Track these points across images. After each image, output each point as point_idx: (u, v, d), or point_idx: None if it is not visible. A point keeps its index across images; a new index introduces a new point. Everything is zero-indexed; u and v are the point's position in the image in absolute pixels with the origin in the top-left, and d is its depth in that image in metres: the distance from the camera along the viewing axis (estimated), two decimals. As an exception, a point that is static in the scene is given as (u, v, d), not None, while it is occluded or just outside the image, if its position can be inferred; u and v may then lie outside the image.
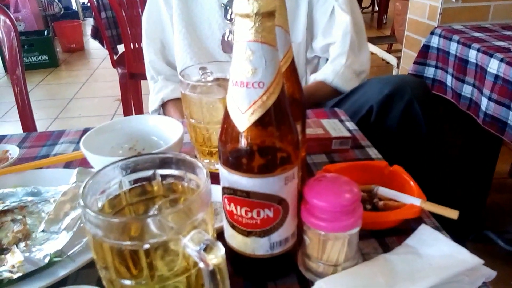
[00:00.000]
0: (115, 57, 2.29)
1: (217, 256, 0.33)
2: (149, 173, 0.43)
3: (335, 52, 1.00)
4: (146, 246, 0.34)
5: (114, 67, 2.28)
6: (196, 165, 0.40)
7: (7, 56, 1.34)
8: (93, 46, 4.25)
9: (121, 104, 2.95)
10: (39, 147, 0.79)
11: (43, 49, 3.65)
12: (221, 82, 0.67)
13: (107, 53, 3.89)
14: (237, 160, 0.42)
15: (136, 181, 0.43)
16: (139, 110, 2.35)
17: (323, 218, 0.44)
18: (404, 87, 0.81)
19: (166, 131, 0.69)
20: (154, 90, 1.10)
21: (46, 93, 3.24)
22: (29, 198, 0.57)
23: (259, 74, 0.39)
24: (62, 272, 0.46)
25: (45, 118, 2.82)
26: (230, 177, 0.43)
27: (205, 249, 0.33)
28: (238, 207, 0.44)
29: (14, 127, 2.62)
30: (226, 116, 0.42)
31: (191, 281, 0.38)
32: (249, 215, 0.44)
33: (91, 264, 0.48)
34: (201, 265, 0.33)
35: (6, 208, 0.56)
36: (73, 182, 0.55)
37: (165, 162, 0.43)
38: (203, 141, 0.67)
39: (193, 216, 0.36)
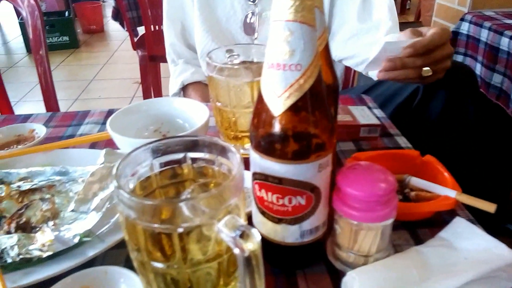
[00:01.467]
0: (135, 39, 2.29)
1: (253, 243, 0.32)
2: (180, 156, 0.42)
3: (387, 26, 0.94)
4: (180, 229, 0.34)
5: (134, 49, 2.28)
6: (229, 150, 0.39)
7: (31, 36, 1.34)
8: (113, 28, 4.26)
9: (140, 86, 2.97)
10: (64, 127, 0.79)
11: (64, 30, 3.67)
12: (249, 65, 0.65)
13: (126, 35, 3.93)
14: (270, 145, 0.41)
15: (166, 163, 0.42)
16: (158, 93, 2.35)
17: (356, 208, 0.43)
18: (450, 73, 0.77)
19: (192, 114, 0.68)
20: (175, 74, 1.09)
21: (67, 74, 3.27)
22: (57, 178, 0.57)
23: (297, 56, 0.37)
24: (91, 252, 0.46)
25: (66, 98, 2.85)
26: (262, 163, 0.42)
27: (241, 235, 0.32)
28: (269, 194, 0.43)
29: (35, 107, 2.66)
30: (260, 99, 0.41)
31: (223, 267, 0.38)
32: (281, 202, 0.42)
33: (119, 245, 0.48)
34: (236, 251, 0.32)
35: (34, 186, 0.56)
36: (101, 162, 0.54)
37: (196, 145, 0.42)
38: (228, 125, 0.66)
39: (226, 201, 0.35)
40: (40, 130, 0.71)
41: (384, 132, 0.72)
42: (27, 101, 2.85)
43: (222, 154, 0.41)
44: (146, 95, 2.32)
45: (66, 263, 0.45)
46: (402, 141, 0.70)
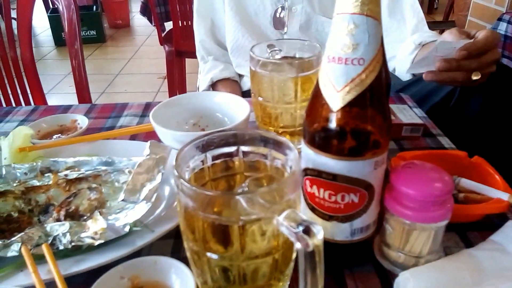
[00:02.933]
0: (162, 34, 2.31)
1: (317, 238, 0.31)
2: (232, 149, 0.42)
3: (412, 23, 0.93)
4: (240, 222, 0.33)
5: (161, 44, 2.30)
6: (286, 144, 0.39)
7: (66, 29, 1.36)
8: (138, 23, 4.31)
9: (165, 81, 3.00)
10: (104, 119, 0.80)
11: (92, 24, 3.74)
12: (291, 61, 0.65)
13: (151, 30, 3.97)
14: (325, 141, 0.40)
15: (218, 156, 0.42)
16: (182, 88, 2.37)
17: (411, 207, 0.42)
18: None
19: (232, 109, 0.68)
20: (204, 71, 1.10)
21: (93, 68, 3.32)
22: (103, 168, 0.58)
23: (360, 50, 0.37)
24: (139, 242, 0.46)
25: (92, 92, 2.88)
26: (316, 158, 0.41)
27: (304, 230, 0.32)
28: (322, 190, 0.42)
29: (63, 100, 2.71)
30: (317, 93, 0.40)
31: (276, 262, 0.37)
32: (333, 198, 0.42)
33: (165, 236, 0.48)
34: (298, 245, 0.32)
35: (81, 175, 0.57)
36: (147, 154, 0.55)
37: (249, 139, 0.42)
38: (269, 120, 0.65)
39: (285, 196, 0.35)
40: (83, 121, 0.73)
41: (426, 132, 0.70)
42: (55, 94, 2.91)
43: (277, 148, 0.40)
44: (172, 90, 2.34)
45: (116, 252, 0.45)
46: (445, 141, 0.68)
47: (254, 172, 0.43)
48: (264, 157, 0.42)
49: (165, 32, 2.31)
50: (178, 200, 0.37)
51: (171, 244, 0.51)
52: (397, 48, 0.95)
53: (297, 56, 0.67)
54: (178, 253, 0.49)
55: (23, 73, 1.40)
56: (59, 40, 3.71)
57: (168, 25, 2.34)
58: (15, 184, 0.56)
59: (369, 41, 0.37)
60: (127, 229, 0.46)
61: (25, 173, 0.57)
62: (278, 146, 0.40)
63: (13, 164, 0.57)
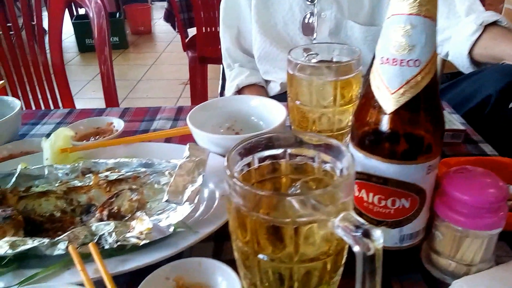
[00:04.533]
0: (185, 41, 2.33)
1: (377, 242, 0.30)
2: (279, 151, 0.42)
3: (464, 5, 0.88)
4: (295, 224, 0.33)
5: (184, 50, 2.32)
6: (338, 148, 0.38)
7: (95, 35, 1.39)
8: (160, 29, 4.37)
9: (186, 87, 3.03)
10: (137, 122, 0.81)
11: (115, 30, 3.81)
12: (329, 65, 0.64)
13: (173, 37, 4.03)
14: (377, 144, 0.39)
15: (265, 158, 0.42)
16: (204, 94, 2.39)
17: (464, 213, 0.41)
18: None
19: (267, 113, 0.68)
20: (230, 78, 1.10)
21: (116, 74, 3.37)
22: (142, 169, 0.58)
23: (417, 51, 0.36)
24: (182, 243, 0.46)
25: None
26: (366, 162, 0.40)
27: (362, 234, 0.31)
28: (371, 194, 0.41)
29: (87, 105, 2.76)
30: (368, 95, 0.40)
31: (327, 266, 0.37)
32: (383, 203, 0.41)
33: (206, 239, 0.48)
34: (356, 249, 0.31)
35: (121, 177, 0.57)
36: (186, 156, 0.55)
37: (297, 142, 0.41)
38: (306, 125, 0.65)
39: (339, 199, 0.34)
40: (118, 124, 0.74)
41: (467, 138, 0.69)
42: (79, 99, 2.96)
43: (326, 151, 0.40)
44: (194, 96, 2.36)
45: (160, 253, 0.45)
46: (488, 148, 0.67)
47: (301, 175, 0.42)
48: (311, 160, 0.41)
49: (188, 39, 2.34)
50: (229, 201, 0.37)
51: (212, 247, 0.50)
52: (450, 32, 0.90)
53: (334, 60, 0.67)
54: (219, 256, 0.49)
55: (53, 78, 1.43)
56: (82, 47, 3.80)
57: (191, 32, 2.37)
58: (57, 184, 0.57)
59: (425, 42, 0.36)
60: (171, 229, 0.46)
61: (67, 174, 0.58)
62: (328, 148, 0.39)
63: (55, 165, 0.58)
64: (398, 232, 0.42)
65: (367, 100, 0.40)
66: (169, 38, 4.03)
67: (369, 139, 0.40)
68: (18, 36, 1.39)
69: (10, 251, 0.44)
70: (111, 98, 1.42)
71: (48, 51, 1.40)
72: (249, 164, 0.41)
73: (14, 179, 0.56)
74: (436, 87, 0.38)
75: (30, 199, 0.56)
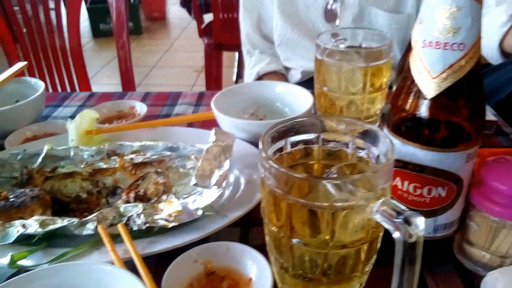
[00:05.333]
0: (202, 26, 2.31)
1: (418, 229, 0.30)
2: (312, 136, 0.41)
3: None
4: (333, 208, 0.32)
5: (200, 36, 2.31)
6: (375, 133, 0.37)
7: (114, 20, 1.39)
8: (174, 15, 4.35)
9: (200, 74, 3.02)
10: (159, 107, 0.81)
11: (129, 16, 3.80)
12: (358, 50, 0.62)
13: (187, 23, 4.01)
14: (415, 130, 0.38)
15: (298, 143, 0.41)
16: (219, 81, 2.38)
17: (501, 204, 0.40)
18: None
19: (293, 99, 0.67)
20: (250, 65, 1.09)
21: (130, 60, 3.38)
22: (167, 153, 0.58)
23: (462, 34, 0.35)
24: (210, 227, 0.46)
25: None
26: (402, 148, 0.39)
27: (404, 220, 0.30)
28: (406, 182, 0.40)
29: (101, 90, 2.77)
30: (408, 80, 0.38)
31: (361, 254, 0.36)
32: (418, 192, 0.40)
33: (232, 224, 0.47)
34: (396, 235, 0.30)
35: (146, 160, 0.57)
36: (212, 141, 0.54)
37: (332, 127, 0.40)
38: (333, 112, 0.64)
39: (378, 185, 0.33)
40: (141, 108, 0.73)
41: (498, 129, 0.67)
42: (93, 85, 2.97)
43: (363, 137, 0.39)
44: (209, 83, 2.35)
45: (187, 236, 0.45)
46: (519, 140, 0.65)
47: (334, 161, 0.41)
48: (345, 146, 0.41)
49: (204, 25, 2.32)
50: (263, 184, 0.36)
51: (238, 232, 0.50)
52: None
53: (363, 46, 0.65)
54: (246, 241, 0.48)
55: (71, 62, 1.43)
56: (97, 32, 3.80)
57: (207, 18, 2.35)
58: (82, 166, 0.57)
59: (471, 25, 0.35)
60: (199, 213, 0.45)
61: (92, 156, 0.58)
62: (364, 134, 0.38)
63: (80, 146, 0.58)
64: (433, 221, 0.41)
65: (406, 85, 0.39)
66: (184, 24, 4.01)
67: (406, 126, 0.39)
68: (36, 20, 1.39)
69: (40, 230, 0.45)
70: (128, 83, 1.42)
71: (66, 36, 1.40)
72: (281, 149, 0.40)
73: (40, 159, 0.57)
74: (479, 72, 0.37)
75: (56, 180, 0.56)
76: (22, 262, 0.42)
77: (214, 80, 2.36)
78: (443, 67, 0.36)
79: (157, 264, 0.45)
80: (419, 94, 0.37)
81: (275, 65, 1.06)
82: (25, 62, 0.78)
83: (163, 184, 0.53)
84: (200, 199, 0.48)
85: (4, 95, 0.74)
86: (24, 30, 1.38)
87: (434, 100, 0.37)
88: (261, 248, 0.43)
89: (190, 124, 0.72)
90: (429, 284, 0.42)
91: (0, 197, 0.50)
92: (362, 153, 0.39)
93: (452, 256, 0.45)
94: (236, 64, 2.95)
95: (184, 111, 0.78)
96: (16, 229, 0.45)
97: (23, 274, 0.35)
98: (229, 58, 2.81)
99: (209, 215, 0.47)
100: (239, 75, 2.90)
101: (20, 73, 0.78)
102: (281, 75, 1.08)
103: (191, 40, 3.66)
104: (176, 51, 3.53)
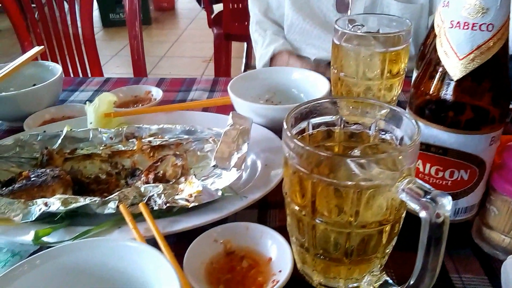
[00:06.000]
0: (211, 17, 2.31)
1: (445, 209, 0.30)
2: (334, 118, 0.41)
3: None
4: (358, 187, 0.32)
5: (210, 26, 2.30)
6: (399, 115, 0.37)
7: (126, 9, 1.39)
8: (183, 6, 4.34)
9: (209, 64, 3.02)
10: (174, 92, 0.81)
11: (138, 6, 3.80)
12: (380, 35, 0.62)
13: (196, 13, 4.00)
14: (440, 112, 0.38)
15: (320, 125, 0.41)
16: (227, 72, 2.37)
17: (524, 188, 0.39)
18: None
19: (309, 86, 0.67)
20: (264, 44, 1.05)
21: (139, 50, 3.39)
22: (185, 136, 0.58)
23: (491, 14, 0.34)
24: (229, 208, 0.46)
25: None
26: (426, 131, 0.39)
27: (430, 199, 0.30)
28: (428, 165, 0.40)
29: (112, 79, 2.78)
30: (433, 61, 0.38)
31: (383, 235, 0.36)
32: (440, 175, 0.40)
33: (250, 206, 0.48)
34: (423, 215, 0.31)
35: (164, 143, 0.58)
36: (230, 124, 0.54)
37: (354, 108, 0.40)
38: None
39: (404, 165, 0.33)
40: (157, 93, 0.74)
41: (515, 117, 0.66)
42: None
43: (386, 118, 0.39)
44: (218, 73, 2.34)
45: (207, 216, 0.45)
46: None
47: (355, 143, 0.41)
48: (367, 128, 0.41)
49: (214, 15, 2.31)
50: (286, 163, 0.36)
51: (256, 214, 0.51)
52: None
53: (380, 31, 0.65)
54: (264, 223, 0.48)
55: (84, 50, 1.44)
56: (106, 21, 3.80)
57: (217, 8, 2.35)
58: (101, 148, 0.57)
59: (500, 5, 0.34)
60: (219, 193, 0.46)
61: (111, 138, 0.58)
62: (388, 116, 0.38)
63: (99, 129, 0.59)
64: (453, 205, 0.41)
65: (431, 66, 0.38)
66: (192, 15, 4.00)
67: (430, 108, 0.39)
68: (50, 8, 1.40)
69: (62, 208, 0.45)
70: (140, 72, 1.43)
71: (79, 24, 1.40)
72: (303, 130, 0.40)
73: (59, 141, 0.57)
74: (506, 55, 0.36)
75: (75, 161, 0.57)
76: (46, 239, 0.43)
77: (223, 70, 2.36)
78: (470, 48, 0.35)
79: (176, 244, 0.45)
80: (444, 76, 0.37)
81: (289, 46, 1.04)
82: (42, 47, 0.78)
83: (181, 167, 0.54)
84: (219, 181, 0.48)
85: (22, 79, 0.75)
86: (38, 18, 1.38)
87: (460, 82, 0.36)
88: (279, 230, 0.44)
89: (205, 109, 0.73)
90: (448, 267, 0.42)
91: (22, 176, 0.51)
92: (385, 135, 0.39)
93: (470, 240, 0.45)
94: (244, 54, 2.95)
95: (198, 97, 0.79)
96: (38, 207, 0.46)
97: (49, 249, 0.35)
98: (237, 49, 2.80)
99: (228, 196, 0.47)
100: (248, 66, 2.90)
101: (34, 59, 0.79)
102: (297, 57, 1.05)
103: (200, 30, 3.65)
104: (184, 41, 3.53)
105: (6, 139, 0.57)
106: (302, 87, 0.68)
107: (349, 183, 0.33)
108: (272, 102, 0.70)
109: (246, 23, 2.20)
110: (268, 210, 0.51)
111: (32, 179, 0.50)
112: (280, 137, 0.59)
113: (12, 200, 0.47)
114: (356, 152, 0.37)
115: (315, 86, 0.65)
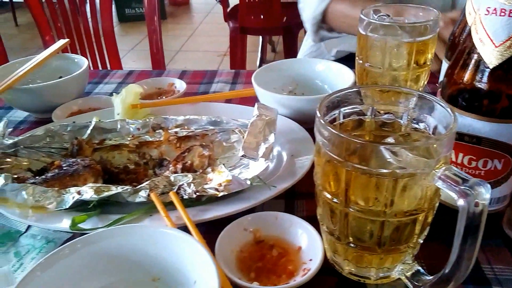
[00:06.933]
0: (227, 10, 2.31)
1: (484, 197, 0.30)
2: (365, 107, 0.41)
3: None
4: (395, 175, 0.32)
5: (225, 20, 2.30)
6: (433, 103, 0.36)
7: (146, 4, 1.40)
8: (197, 1, 4.34)
9: (224, 59, 3.02)
10: (196, 84, 0.82)
11: (154, 1, 3.82)
12: (407, 25, 0.61)
13: (210, 8, 4.00)
14: (474, 101, 0.38)
15: (350, 114, 0.41)
16: (243, 66, 2.37)
17: (560, 178, 0.39)
18: None
19: (333, 76, 0.67)
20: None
21: (154, 44, 3.41)
22: (210, 127, 0.59)
23: (530, 1, 0.34)
24: (259, 197, 0.47)
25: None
26: (459, 120, 0.38)
27: (469, 187, 0.30)
28: (461, 155, 0.40)
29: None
30: (467, 49, 0.38)
31: (416, 224, 0.36)
32: (473, 164, 0.40)
33: (277, 196, 0.48)
34: (461, 203, 0.30)
35: (190, 134, 0.58)
36: (256, 115, 0.55)
37: (386, 97, 0.40)
38: (374, 89, 0.63)
39: (440, 153, 0.33)
40: (180, 85, 0.74)
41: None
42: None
43: (419, 107, 0.38)
44: (234, 67, 2.35)
45: (236, 205, 0.46)
46: None
47: (386, 132, 0.41)
48: (399, 117, 0.40)
49: (229, 8, 2.31)
50: (319, 151, 0.37)
51: (283, 204, 0.51)
52: None
53: (406, 21, 0.64)
54: (291, 213, 0.49)
55: (103, 44, 1.46)
56: (122, 16, 3.83)
57: (232, 1, 2.35)
58: (129, 138, 0.58)
59: (540, -9, 0.33)
60: (248, 183, 0.46)
61: (138, 129, 0.59)
62: (420, 104, 0.38)
63: (127, 120, 0.60)
64: (486, 195, 0.41)
65: (466, 53, 0.38)
66: (207, 9, 4.01)
67: (464, 96, 0.38)
68: (70, 2, 1.42)
69: (95, 196, 0.46)
70: (159, 66, 1.44)
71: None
72: (334, 119, 0.40)
73: (89, 131, 0.58)
74: (545, 41, 0.36)
75: (104, 151, 0.58)
76: (81, 226, 0.44)
77: (238, 64, 2.36)
78: (507, 35, 0.35)
79: (205, 233, 0.46)
80: (479, 64, 0.37)
81: None
82: (67, 39, 0.80)
83: (208, 157, 0.54)
84: (246, 171, 0.49)
85: (48, 71, 0.76)
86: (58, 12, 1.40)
87: (496, 70, 0.36)
88: (307, 220, 0.44)
89: (227, 101, 0.73)
90: (480, 258, 0.42)
91: (54, 165, 0.53)
92: (417, 124, 0.39)
93: (501, 231, 0.45)
94: (260, 49, 2.95)
95: (220, 89, 0.79)
96: (71, 195, 0.47)
97: (88, 234, 0.36)
98: (251, 43, 2.79)
99: (256, 186, 0.47)
100: (263, 60, 2.90)
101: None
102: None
103: (214, 25, 3.65)
104: (199, 35, 3.53)
105: (37, 130, 0.59)
106: (326, 78, 0.68)
107: (385, 171, 0.33)
108: (295, 94, 0.70)
109: (262, 16, 2.21)
110: (295, 200, 0.51)
111: (64, 168, 0.51)
112: (305, 128, 0.59)
113: (46, 189, 0.48)
114: (390, 140, 0.37)
115: (339, 77, 0.65)
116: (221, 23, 2.48)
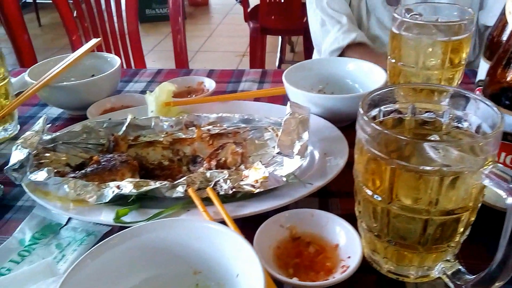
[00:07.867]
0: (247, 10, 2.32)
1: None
2: (405, 105, 0.41)
3: None
4: (441, 173, 0.32)
5: (246, 20, 2.31)
6: (476, 101, 0.36)
7: (170, 5, 1.42)
8: (216, 1, 4.37)
9: (243, 59, 3.04)
10: (224, 83, 0.82)
11: (173, 2, 3.86)
12: (441, 24, 0.60)
13: (229, 8, 4.02)
14: (519, 100, 0.37)
15: (390, 112, 0.41)
16: (262, 65, 2.38)
17: None
18: None
19: (364, 76, 0.67)
20: (341, 29, 0.96)
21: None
22: (242, 125, 0.59)
23: None
24: (295, 195, 0.47)
25: (174, 68, 3.01)
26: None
27: (520, 186, 0.30)
28: (503, 154, 0.40)
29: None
30: (510, 50, 0.37)
31: (459, 223, 0.36)
32: (516, 163, 0.39)
33: (311, 194, 0.48)
34: (510, 201, 0.30)
35: (222, 131, 0.59)
36: (289, 113, 0.55)
37: (427, 95, 0.40)
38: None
39: (488, 151, 0.33)
40: (210, 84, 0.75)
41: None
42: (140, 68, 3.06)
43: (461, 105, 0.38)
44: (253, 67, 2.36)
45: (272, 201, 0.46)
46: None
47: (426, 130, 0.41)
48: (440, 116, 0.40)
49: (250, 9, 2.32)
50: (361, 148, 0.37)
51: (317, 202, 0.51)
52: None
53: (439, 20, 0.63)
54: (325, 209, 0.49)
55: (128, 45, 1.48)
56: (143, 17, 3.88)
57: (252, 2, 2.35)
58: (162, 135, 0.59)
59: None
60: (284, 180, 0.47)
61: (171, 126, 0.60)
62: (463, 103, 0.38)
63: (160, 117, 0.61)
64: (528, 195, 0.40)
65: (507, 55, 0.38)
66: (226, 10, 4.03)
67: (508, 95, 0.38)
68: (97, 4, 1.45)
69: (134, 191, 0.47)
70: (182, 65, 1.46)
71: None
72: (374, 117, 0.40)
73: (124, 128, 0.60)
74: None
75: (139, 148, 0.59)
76: (124, 219, 0.45)
77: (258, 64, 2.37)
78: (556, 33, 0.34)
79: (240, 228, 0.47)
80: (526, 62, 0.36)
81: (366, 39, 0.97)
82: (99, 39, 0.81)
83: (241, 154, 0.55)
84: (280, 169, 0.49)
85: (81, 69, 0.78)
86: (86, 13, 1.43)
87: (543, 68, 0.35)
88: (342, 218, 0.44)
89: (256, 100, 0.74)
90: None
91: (93, 160, 0.54)
92: (460, 122, 0.39)
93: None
94: (279, 49, 2.95)
95: (249, 88, 0.80)
96: (111, 189, 0.48)
97: (134, 227, 0.37)
98: (270, 44, 2.80)
99: (290, 183, 0.48)
100: (282, 60, 2.90)
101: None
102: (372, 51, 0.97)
103: (233, 25, 3.67)
104: (218, 36, 3.56)
105: (74, 126, 0.60)
106: (356, 78, 0.68)
107: (432, 168, 0.33)
108: (325, 93, 0.70)
109: (282, 17, 2.21)
110: (328, 198, 0.52)
111: (103, 163, 0.53)
112: (337, 127, 0.59)
113: (86, 183, 0.49)
114: (435, 138, 0.37)
115: (370, 76, 0.65)
116: (240, 24, 2.48)
